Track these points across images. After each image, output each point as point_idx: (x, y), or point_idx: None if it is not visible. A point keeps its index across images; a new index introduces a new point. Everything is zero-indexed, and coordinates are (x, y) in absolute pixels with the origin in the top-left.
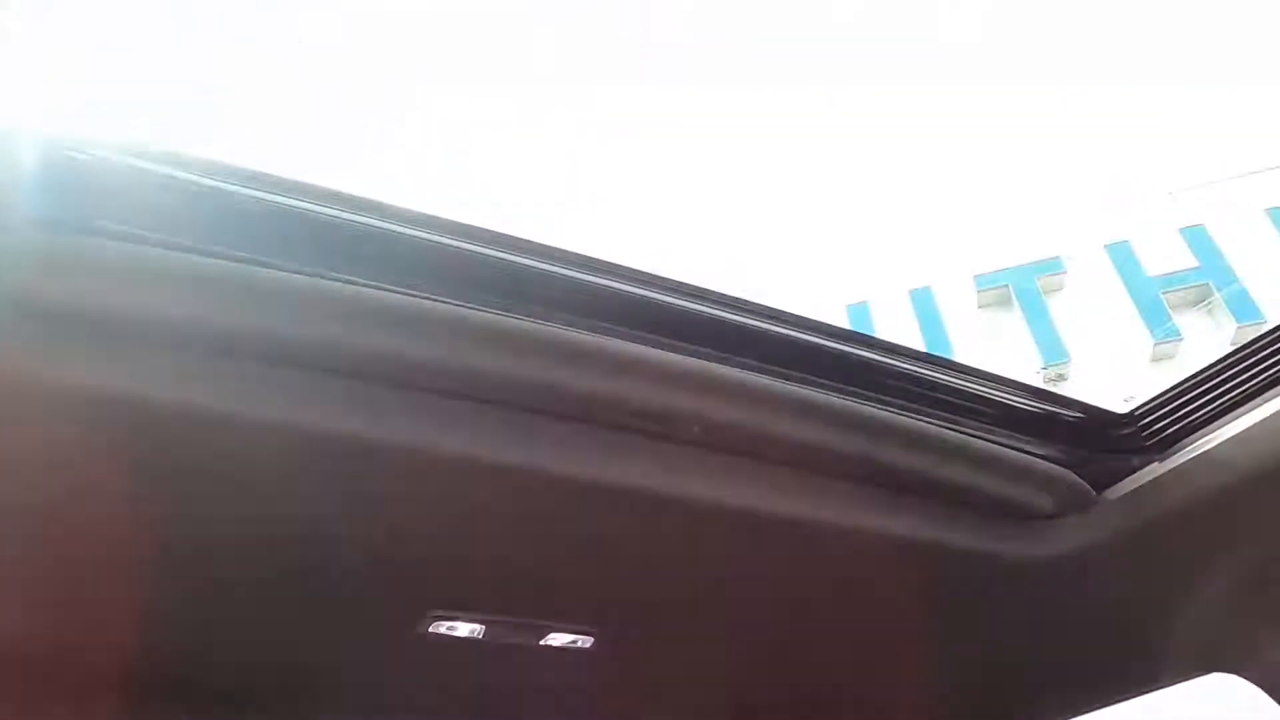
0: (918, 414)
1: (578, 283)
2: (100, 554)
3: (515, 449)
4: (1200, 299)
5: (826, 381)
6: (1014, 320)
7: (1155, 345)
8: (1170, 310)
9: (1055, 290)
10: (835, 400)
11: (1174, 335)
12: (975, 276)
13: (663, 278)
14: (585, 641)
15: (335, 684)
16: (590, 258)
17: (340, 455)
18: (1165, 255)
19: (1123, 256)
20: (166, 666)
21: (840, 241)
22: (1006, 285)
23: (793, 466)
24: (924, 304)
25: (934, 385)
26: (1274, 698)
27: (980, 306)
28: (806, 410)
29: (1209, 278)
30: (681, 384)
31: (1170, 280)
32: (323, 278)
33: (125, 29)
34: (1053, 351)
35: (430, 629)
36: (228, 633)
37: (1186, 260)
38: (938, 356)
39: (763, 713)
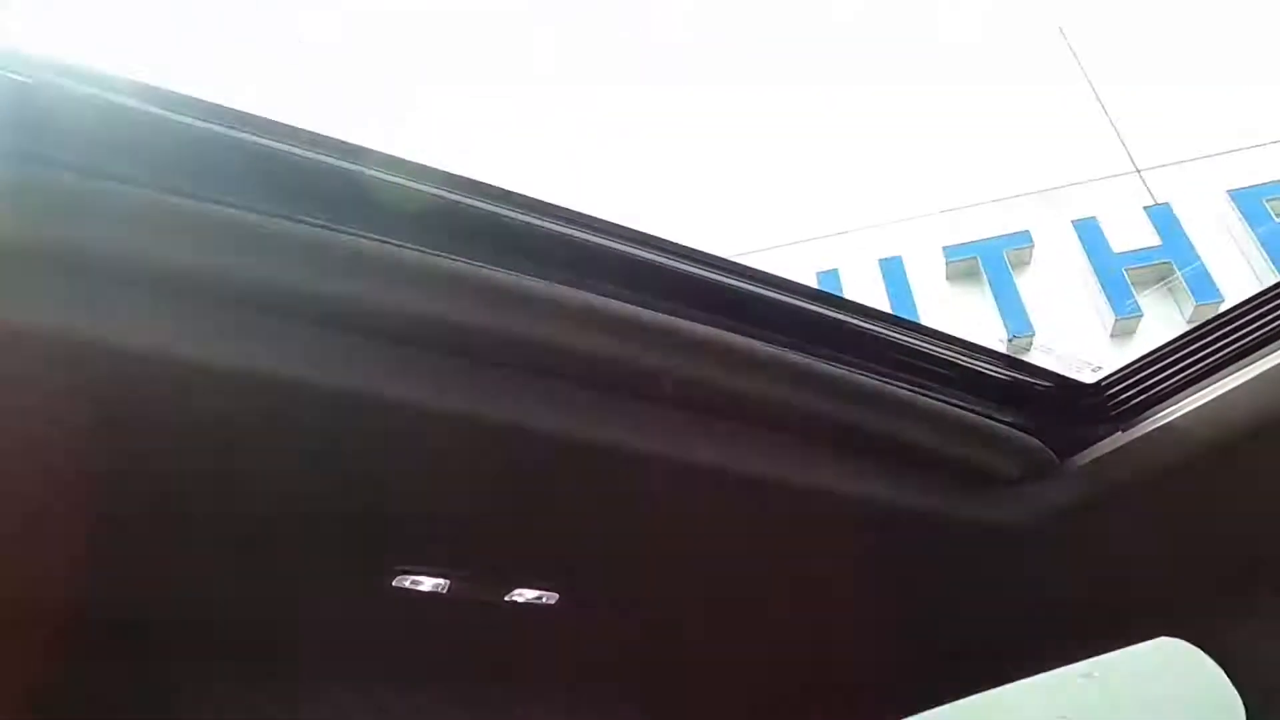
0: (887, 377)
1: (553, 235)
2: (61, 502)
3: (484, 402)
4: (1162, 277)
5: (797, 341)
6: (981, 292)
7: (1116, 321)
8: (1133, 287)
9: (1022, 264)
10: (805, 360)
11: (1135, 312)
12: (944, 248)
13: (638, 232)
14: (550, 598)
15: (298, 636)
16: (566, 210)
17: (308, 404)
18: (1131, 233)
19: (1090, 233)
20: (126, 616)
21: (813, 209)
22: (975, 257)
23: (761, 426)
24: (893, 273)
25: (904, 349)
26: (1218, 662)
27: (948, 278)
28: (777, 369)
29: (1171, 256)
30: (654, 340)
31: (1134, 258)
32: (298, 222)
33: (126, 29)
34: (1018, 324)
35: (394, 583)
36: (190, 583)
37: (1150, 239)
38: (908, 320)
39: (726, 670)
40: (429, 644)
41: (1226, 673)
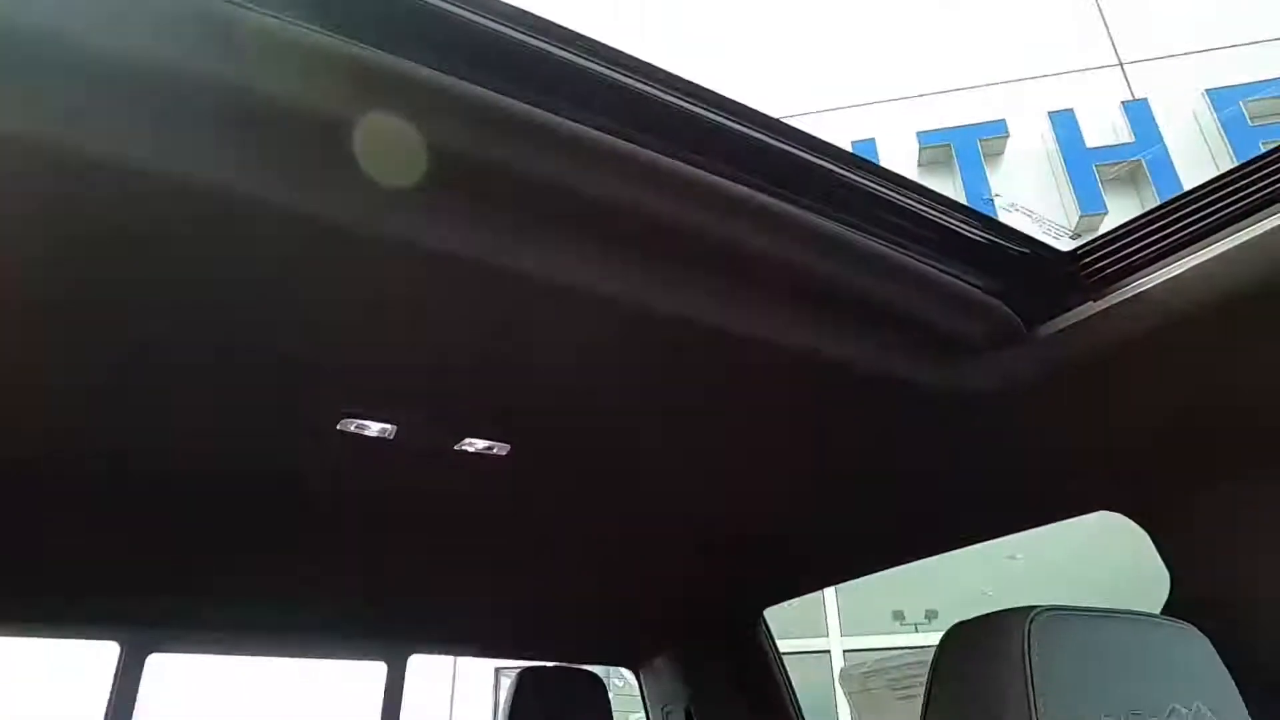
0: (859, 228)
1: (525, 49)
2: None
3: (441, 232)
4: (1130, 175)
5: (770, 185)
6: (951, 181)
7: (1081, 217)
8: (1101, 184)
9: (995, 154)
10: (778, 205)
11: (1100, 209)
12: (918, 133)
13: (611, 49)
14: (502, 449)
15: (247, 474)
16: (537, 18)
17: (264, 223)
18: (1106, 128)
19: (1065, 125)
20: (76, 450)
21: (786, 86)
22: (948, 144)
23: (728, 273)
24: (865, 156)
25: (882, 200)
26: (1153, 535)
27: (920, 164)
28: (750, 211)
29: (1142, 154)
30: (621, 171)
31: (1106, 154)
32: (285, 22)
33: None
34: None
35: (339, 426)
36: (137, 420)
37: (1125, 135)
38: (888, 171)
39: (679, 526)
40: (379, 489)
41: (1158, 547)
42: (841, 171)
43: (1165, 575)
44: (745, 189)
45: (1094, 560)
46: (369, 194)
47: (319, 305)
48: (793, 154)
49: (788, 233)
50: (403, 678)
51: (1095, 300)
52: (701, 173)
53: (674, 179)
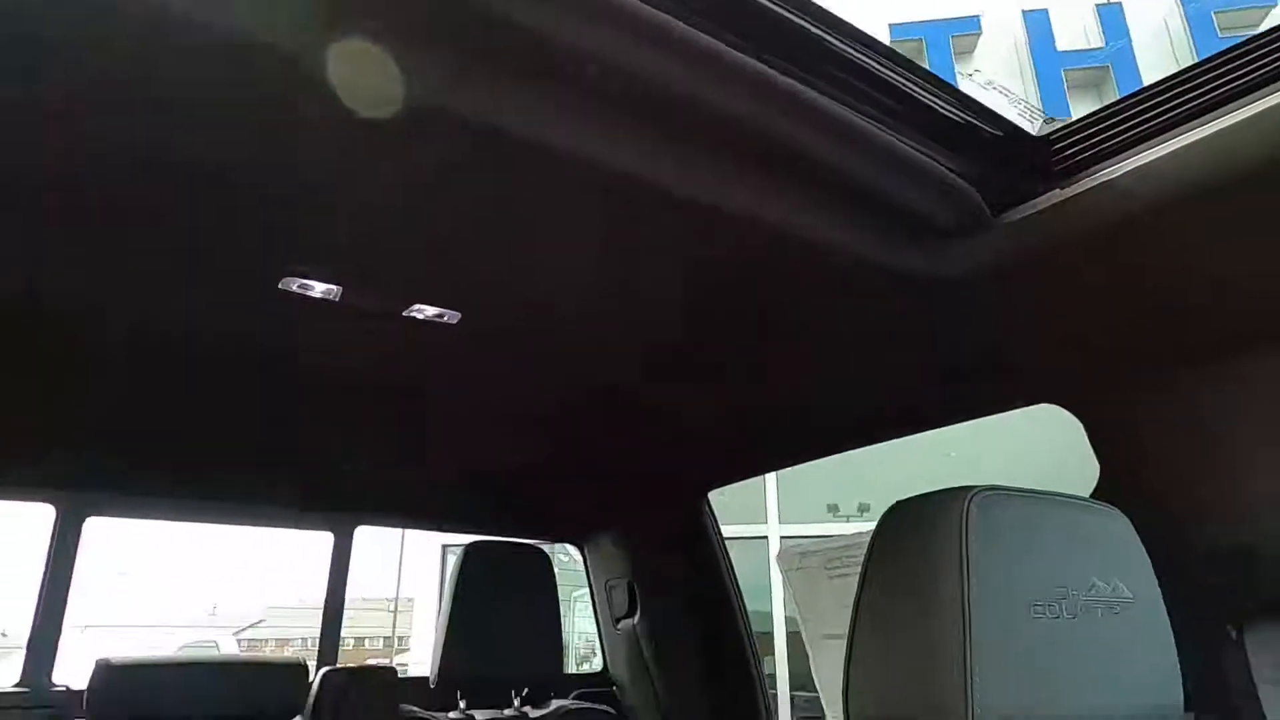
0: (835, 97)
1: None
2: None
3: (400, 78)
4: (1097, 82)
5: (744, 42)
6: None
7: (1044, 121)
8: (1067, 88)
9: (966, 52)
10: (753, 65)
11: (1064, 115)
12: (891, 25)
13: None
14: (452, 317)
15: (187, 332)
16: None
17: (212, 53)
18: (1077, 31)
19: (1038, 26)
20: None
21: None
22: (920, 39)
23: (698, 141)
24: None
25: (859, 70)
26: (1089, 428)
27: None
28: (721, 72)
29: (1110, 60)
30: (598, 19)
31: (1075, 58)
32: None
33: None
34: None
35: (280, 285)
36: (70, 266)
37: (1095, 39)
38: (866, 35)
39: (634, 402)
40: (324, 353)
41: (1091, 436)
42: (822, 33)
43: (1087, 474)
44: (718, 44)
45: (1027, 455)
46: (328, 31)
47: (268, 148)
48: (770, 8)
49: (763, 96)
50: (349, 549)
51: (1062, 188)
52: (677, 22)
53: (646, 27)
